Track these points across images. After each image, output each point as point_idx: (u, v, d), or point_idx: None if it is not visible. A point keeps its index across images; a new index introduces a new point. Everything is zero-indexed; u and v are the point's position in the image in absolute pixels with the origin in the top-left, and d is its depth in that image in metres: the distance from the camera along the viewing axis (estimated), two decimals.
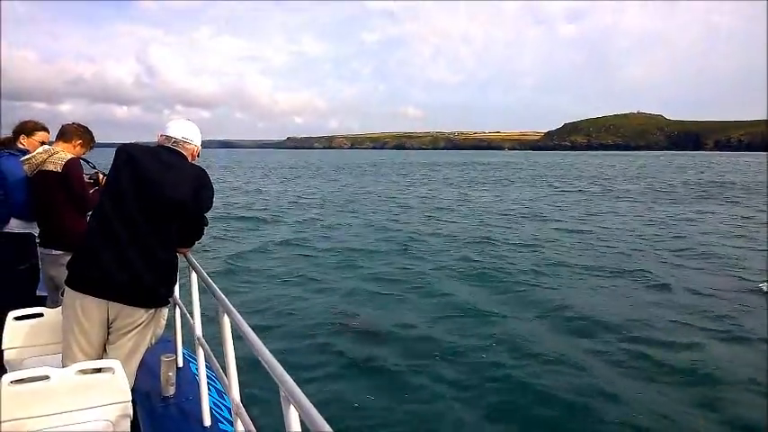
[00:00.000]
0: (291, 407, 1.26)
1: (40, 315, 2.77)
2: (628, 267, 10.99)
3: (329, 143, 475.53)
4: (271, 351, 1.50)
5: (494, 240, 14.21)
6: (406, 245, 13.52)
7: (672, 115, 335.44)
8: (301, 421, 1.23)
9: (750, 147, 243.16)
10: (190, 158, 2.69)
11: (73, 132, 3.56)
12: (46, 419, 1.99)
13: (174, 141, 2.63)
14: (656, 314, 7.89)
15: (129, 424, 2.20)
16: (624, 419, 4.88)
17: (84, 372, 2.09)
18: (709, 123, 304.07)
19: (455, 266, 11.11)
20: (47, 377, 2.01)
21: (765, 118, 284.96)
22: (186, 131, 2.67)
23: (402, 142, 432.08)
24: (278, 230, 16.20)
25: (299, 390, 1.25)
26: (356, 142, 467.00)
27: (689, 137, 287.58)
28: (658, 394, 5.41)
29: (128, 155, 2.49)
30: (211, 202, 2.65)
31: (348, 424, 4.73)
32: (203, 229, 2.72)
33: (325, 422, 1.09)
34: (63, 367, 2.19)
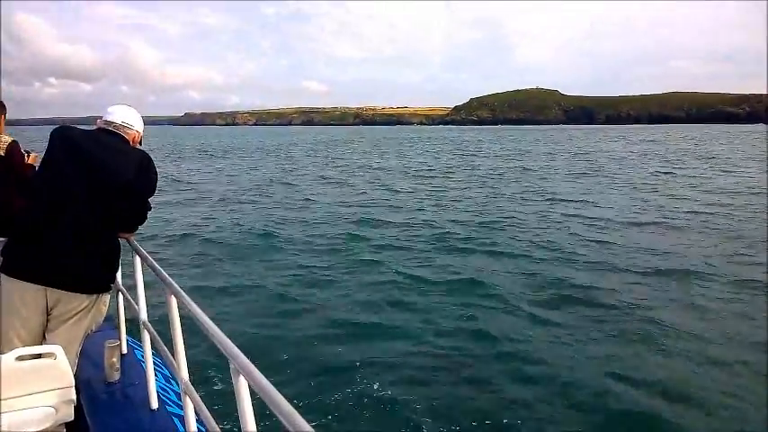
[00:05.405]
0: (241, 378, 1.26)
1: None
2: None
3: (232, 119, 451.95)
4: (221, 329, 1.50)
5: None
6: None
7: (567, 91, 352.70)
8: (252, 393, 1.24)
9: (638, 120, 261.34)
10: (132, 144, 2.66)
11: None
12: None
13: (115, 126, 2.60)
14: None
15: (73, 410, 2.12)
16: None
17: (23, 358, 1.97)
18: (601, 99, 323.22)
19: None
20: None
21: (649, 93, 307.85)
22: (126, 116, 2.65)
23: (310, 118, 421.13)
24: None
25: (249, 362, 1.25)
26: (261, 118, 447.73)
27: (584, 111, 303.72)
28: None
29: (66, 138, 2.44)
30: (155, 187, 2.63)
31: (302, 400, 4.65)
32: (146, 213, 2.67)
33: (275, 390, 1.09)
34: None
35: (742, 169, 27.63)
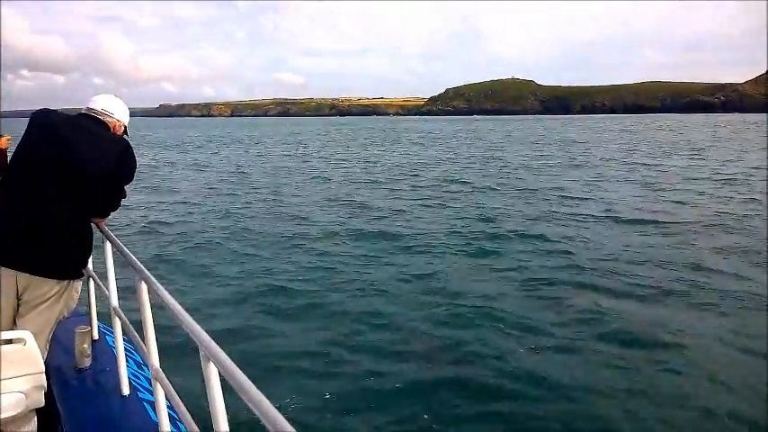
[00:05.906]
0: (211, 364, 1.26)
1: None
2: None
3: (208, 111, 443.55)
4: (191, 315, 1.49)
5: None
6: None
7: (542, 81, 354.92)
8: (222, 379, 1.23)
9: (613, 110, 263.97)
10: (112, 131, 2.67)
11: None
12: None
13: (95, 112, 2.64)
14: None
15: (43, 396, 2.12)
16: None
17: None
18: (576, 89, 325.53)
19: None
20: None
21: (624, 83, 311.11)
22: (107, 104, 2.67)
23: (285, 109, 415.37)
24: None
25: (218, 347, 1.25)
26: (237, 109, 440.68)
27: (559, 102, 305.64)
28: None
29: (44, 122, 2.44)
30: (133, 175, 2.65)
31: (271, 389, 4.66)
32: (120, 200, 2.69)
33: (244, 376, 1.09)
34: None
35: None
